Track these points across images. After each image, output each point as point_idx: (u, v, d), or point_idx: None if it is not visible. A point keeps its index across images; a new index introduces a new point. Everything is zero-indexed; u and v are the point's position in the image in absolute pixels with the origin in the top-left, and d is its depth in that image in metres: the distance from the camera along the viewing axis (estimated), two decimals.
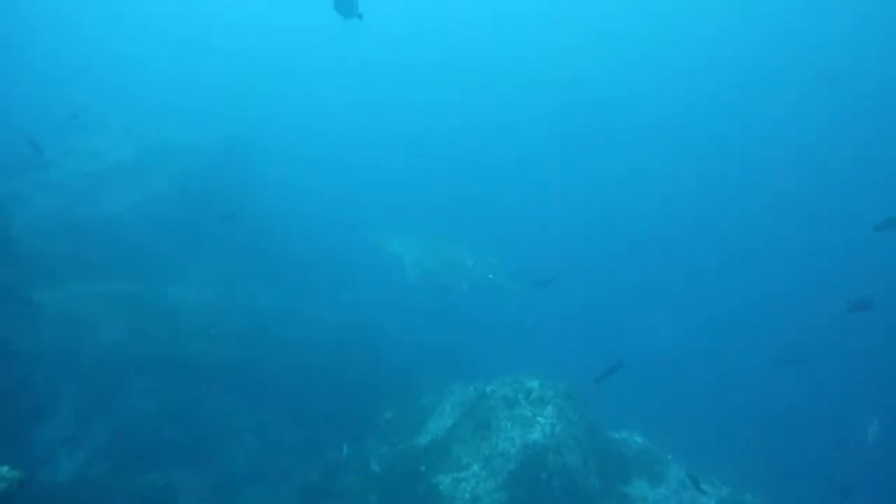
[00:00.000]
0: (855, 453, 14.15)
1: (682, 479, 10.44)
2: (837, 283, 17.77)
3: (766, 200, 27.89)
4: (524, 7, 36.85)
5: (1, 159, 13.37)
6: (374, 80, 32.18)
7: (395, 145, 27.59)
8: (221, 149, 17.49)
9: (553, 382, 10.41)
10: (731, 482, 11.48)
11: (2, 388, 8.89)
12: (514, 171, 28.26)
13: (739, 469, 11.90)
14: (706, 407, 16.80)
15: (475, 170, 27.23)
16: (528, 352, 15.70)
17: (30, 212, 13.45)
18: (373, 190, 23.31)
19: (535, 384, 10.34)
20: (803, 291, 22.10)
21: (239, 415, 12.95)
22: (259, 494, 11.61)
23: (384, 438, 11.58)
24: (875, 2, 31.76)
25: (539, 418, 10.03)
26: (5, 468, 5.16)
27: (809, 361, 15.85)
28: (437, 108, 31.56)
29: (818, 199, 27.49)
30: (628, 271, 22.97)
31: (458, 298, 17.45)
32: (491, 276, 15.47)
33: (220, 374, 12.80)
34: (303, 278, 15.21)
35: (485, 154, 28.57)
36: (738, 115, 33.06)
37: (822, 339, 17.80)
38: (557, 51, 34.95)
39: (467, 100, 32.65)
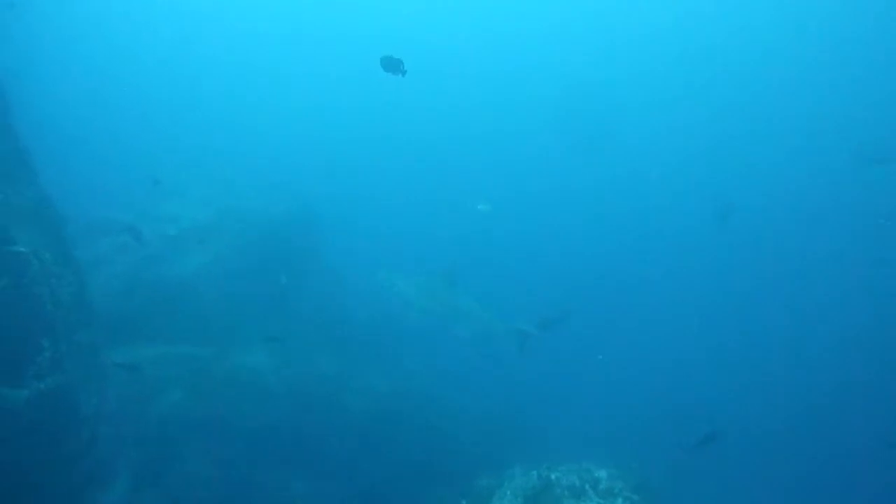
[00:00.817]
0: None
1: None
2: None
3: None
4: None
5: (87, 222, 14.02)
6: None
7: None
8: (288, 215, 17.96)
9: (623, 472, 9.82)
10: None
11: (68, 452, 8.95)
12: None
13: None
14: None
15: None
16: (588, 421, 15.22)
17: (106, 273, 13.96)
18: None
19: (602, 474, 9.78)
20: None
21: (294, 483, 12.82)
22: None
23: None
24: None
25: None
26: None
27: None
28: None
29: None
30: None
31: (512, 364, 17.28)
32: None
33: (277, 441, 12.75)
34: (361, 346, 15.16)
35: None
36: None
37: None
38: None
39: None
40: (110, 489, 10.67)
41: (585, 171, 29.08)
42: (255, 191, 18.35)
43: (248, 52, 34.86)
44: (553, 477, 9.93)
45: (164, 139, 22.93)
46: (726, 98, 33.46)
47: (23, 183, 9.52)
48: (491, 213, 14.47)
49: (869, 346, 21.38)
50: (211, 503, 11.63)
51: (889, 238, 23.18)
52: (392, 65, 9.26)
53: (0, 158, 9.13)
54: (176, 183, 17.79)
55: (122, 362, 11.22)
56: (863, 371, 20.48)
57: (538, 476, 10.12)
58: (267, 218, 17.39)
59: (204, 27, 35.61)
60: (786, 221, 27.10)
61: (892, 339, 20.64)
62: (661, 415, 17.09)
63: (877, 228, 22.22)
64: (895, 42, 31.55)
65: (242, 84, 32.26)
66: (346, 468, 12.70)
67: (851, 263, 25.11)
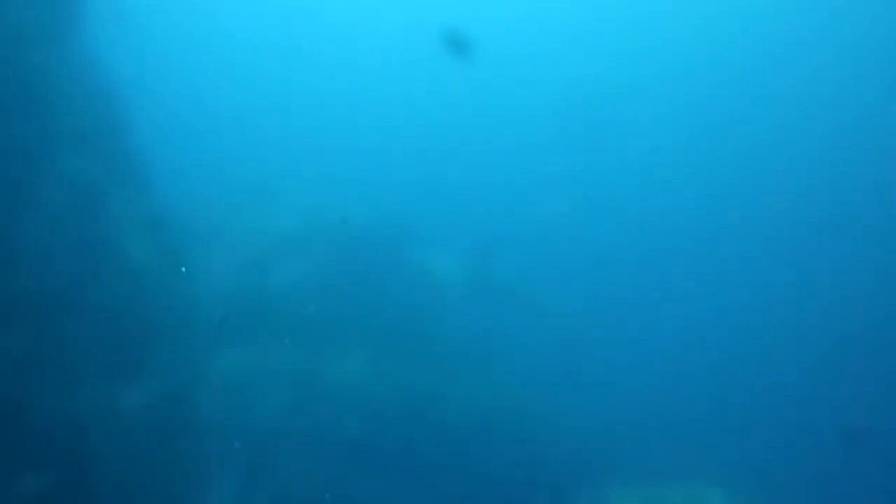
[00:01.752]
0: None
1: None
2: None
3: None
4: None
5: (187, 228, 14.46)
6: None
7: None
8: (383, 223, 17.94)
9: (737, 495, 8.97)
10: None
11: (180, 457, 9.09)
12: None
13: None
14: None
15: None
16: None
17: (210, 279, 14.32)
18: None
19: (715, 495, 8.99)
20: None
21: (391, 495, 12.70)
22: None
23: None
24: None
25: None
26: None
27: None
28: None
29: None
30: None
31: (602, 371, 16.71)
32: None
33: (374, 451, 12.68)
34: (457, 357, 14.87)
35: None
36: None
37: None
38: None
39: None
40: (216, 494, 10.84)
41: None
42: (352, 196, 18.51)
43: (346, 52, 35.64)
44: (661, 496, 9.25)
45: (262, 143, 23.66)
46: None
47: (138, 191, 9.80)
48: None
49: None
50: None
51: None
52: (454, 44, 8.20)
53: (117, 168, 9.42)
54: (274, 188, 18.19)
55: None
56: None
57: (644, 496, 9.48)
58: (362, 224, 17.44)
59: (299, 29, 36.71)
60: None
61: None
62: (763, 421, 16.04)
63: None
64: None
65: (339, 86, 32.99)
66: (442, 482, 12.44)
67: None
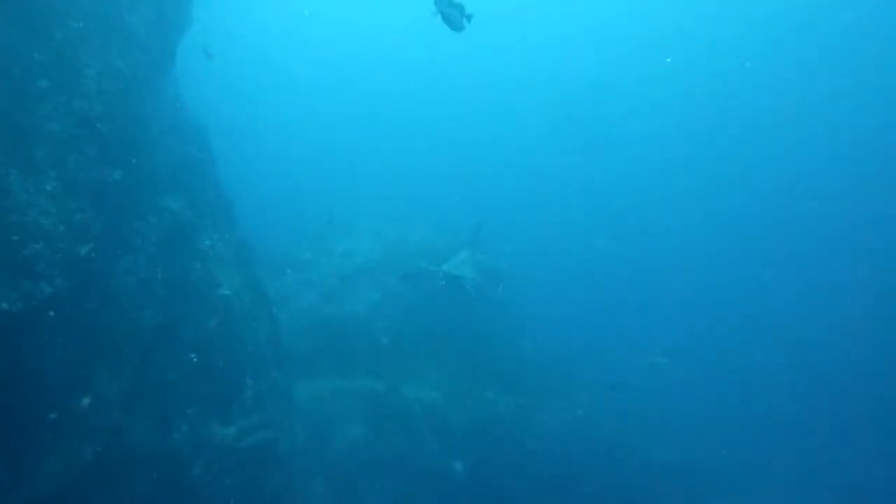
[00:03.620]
0: None
1: None
2: None
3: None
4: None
5: (271, 263, 14.81)
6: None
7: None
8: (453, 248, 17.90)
9: None
10: None
11: (271, 488, 9.15)
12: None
13: None
14: None
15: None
16: None
17: (289, 310, 14.57)
18: None
19: None
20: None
21: None
22: None
23: None
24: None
25: None
26: None
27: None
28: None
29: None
30: None
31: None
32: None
33: (451, 481, 12.46)
34: (535, 384, 14.53)
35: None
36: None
37: None
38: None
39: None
40: None
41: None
42: (423, 223, 18.59)
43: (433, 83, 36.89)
44: None
45: (337, 171, 24.29)
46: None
47: (226, 229, 10.07)
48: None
49: None
50: None
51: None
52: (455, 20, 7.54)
53: (208, 206, 9.71)
54: (348, 217, 18.48)
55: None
56: None
57: None
58: (433, 249, 17.45)
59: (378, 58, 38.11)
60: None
61: None
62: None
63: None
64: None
65: (419, 115, 34.09)
66: None
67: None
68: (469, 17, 7.32)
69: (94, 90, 6.79)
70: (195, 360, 8.20)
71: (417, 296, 15.89)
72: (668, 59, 33.83)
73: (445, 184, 26.62)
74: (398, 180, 25.22)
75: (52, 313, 6.09)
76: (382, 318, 15.35)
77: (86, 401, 6.54)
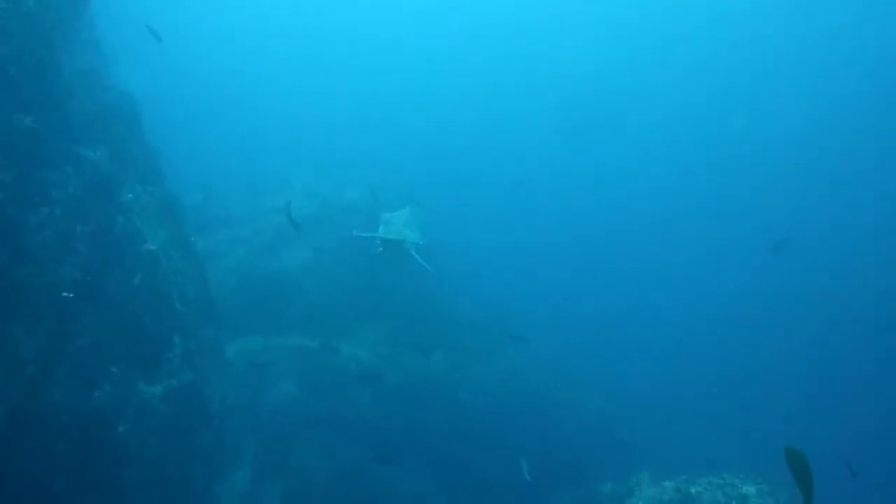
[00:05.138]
0: None
1: None
2: None
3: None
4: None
5: (200, 219, 14.29)
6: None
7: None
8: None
9: (774, 489, 8.83)
10: None
11: (200, 446, 9.05)
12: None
13: None
14: None
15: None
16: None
17: (220, 267, 14.18)
18: None
19: (751, 490, 8.86)
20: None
21: (403, 481, 12.65)
22: None
23: None
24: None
25: None
26: None
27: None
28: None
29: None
30: None
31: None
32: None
33: (385, 436, 12.62)
34: (471, 341, 14.75)
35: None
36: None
37: None
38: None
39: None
40: (232, 482, 10.83)
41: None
42: (357, 181, 18.26)
43: (352, 43, 35.62)
44: (693, 491, 9.11)
45: (268, 130, 23.40)
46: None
47: (151, 182, 9.65)
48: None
49: None
50: (322, 497, 11.64)
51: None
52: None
53: (132, 160, 9.26)
54: (281, 175, 18.00)
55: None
56: None
57: (675, 489, 9.33)
58: (370, 206, 17.23)
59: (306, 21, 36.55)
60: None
61: None
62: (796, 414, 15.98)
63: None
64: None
65: (344, 75, 32.94)
66: (459, 467, 12.39)
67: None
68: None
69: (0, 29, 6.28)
70: (120, 315, 7.91)
71: (353, 253, 15.72)
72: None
73: (395, 135, 26.10)
74: (345, 129, 24.68)
75: None
76: (316, 276, 15.13)
77: None
